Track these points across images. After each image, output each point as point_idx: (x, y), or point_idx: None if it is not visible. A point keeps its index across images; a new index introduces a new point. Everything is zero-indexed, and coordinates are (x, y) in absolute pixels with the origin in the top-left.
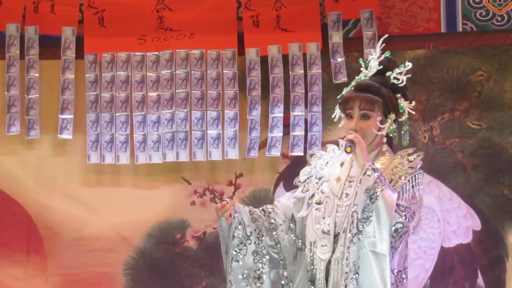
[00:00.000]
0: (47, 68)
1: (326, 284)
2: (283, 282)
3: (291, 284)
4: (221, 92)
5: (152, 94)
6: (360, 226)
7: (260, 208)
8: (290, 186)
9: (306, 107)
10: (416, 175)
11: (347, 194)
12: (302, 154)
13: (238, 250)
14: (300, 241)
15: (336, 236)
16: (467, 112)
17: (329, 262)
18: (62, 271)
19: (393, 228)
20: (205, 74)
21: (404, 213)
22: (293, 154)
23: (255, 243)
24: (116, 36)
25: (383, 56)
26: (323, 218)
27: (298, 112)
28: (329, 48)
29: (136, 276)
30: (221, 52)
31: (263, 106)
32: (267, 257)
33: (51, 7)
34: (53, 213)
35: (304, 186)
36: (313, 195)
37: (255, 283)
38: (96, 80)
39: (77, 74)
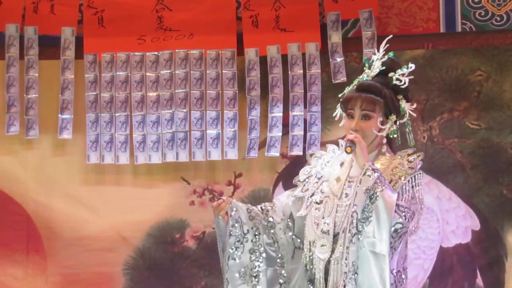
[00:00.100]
0: (46, 68)
1: (325, 284)
2: (281, 280)
3: (289, 283)
4: (220, 92)
5: (152, 94)
6: (360, 226)
7: (259, 206)
8: (289, 186)
9: (305, 107)
10: (416, 176)
11: (346, 194)
12: (301, 154)
13: (235, 248)
14: (299, 239)
15: (335, 236)
16: (466, 112)
17: (328, 262)
18: (62, 271)
19: (392, 228)
20: (204, 74)
21: (403, 214)
22: (292, 154)
23: (252, 241)
24: (116, 36)
25: (386, 57)
26: (323, 217)
27: (297, 112)
28: (328, 48)
29: (136, 276)
30: (220, 52)
31: (262, 106)
32: (264, 255)
33: (51, 7)
34: (53, 213)
35: (304, 185)
36: (313, 194)
37: (251, 281)
38: (96, 80)
39: (76, 74)
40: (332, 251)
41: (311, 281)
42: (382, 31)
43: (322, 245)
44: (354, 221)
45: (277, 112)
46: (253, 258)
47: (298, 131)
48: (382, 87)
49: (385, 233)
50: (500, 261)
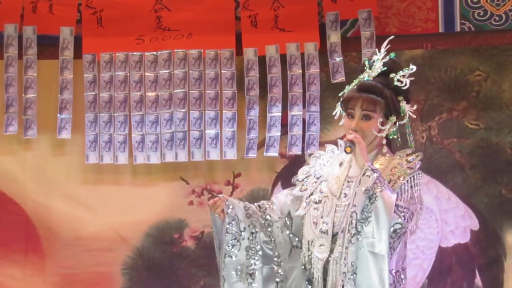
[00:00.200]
0: (45, 68)
1: (324, 284)
2: (277, 279)
3: (285, 282)
4: (219, 92)
5: (151, 94)
6: (359, 227)
7: (256, 204)
8: (288, 185)
9: (304, 106)
10: (415, 176)
11: (345, 194)
12: (300, 153)
13: (231, 246)
14: (296, 238)
15: (334, 236)
16: (465, 112)
17: (327, 262)
18: (61, 271)
19: (391, 228)
20: (203, 74)
21: (403, 214)
22: (291, 153)
23: (248, 238)
24: (114, 36)
25: (387, 57)
26: (321, 217)
27: (296, 111)
28: (327, 48)
29: (134, 276)
30: (219, 52)
31: (261, 106)
32: (260, 253)
33: (49, 7)
34: (52, 213)
35: (302, 185)
36: (312, 194)
37: (247, 279)
38: (95, 80)
39: (75, 74)
40: (331, 251)
41: (310, 281)
42: (381, 31)
43: (321, 245)
44: (354, 221)
45: (276, 112)
46: (249, 255)
47: (297, 131)
48: (383, 88)
49: (384, 234)
50: (499, 261)
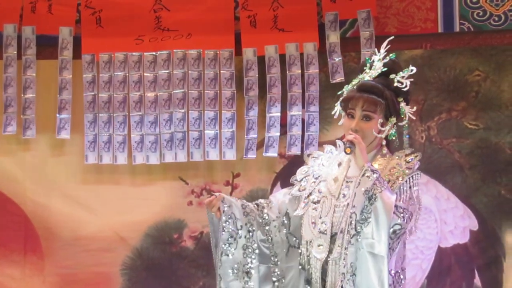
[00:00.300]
0: (44, 68)
1: (323, 284)
2: (274, 278)
3: (283, 281)
4: (218, 92)
5: (150, 94)
6: (359, 227)
7: (254, 202)
8: (287, 185)
9: (303, 107)
10: (414, 176)
11: (344, 195)
12: (299, 153)
13: (228, 244)
14: (294, 237)
15: (333, 236)
16: (464, 112)
17: (326, 262)
18: (60, 271)
19: (391, 229)
20: (202, 74)
21: (402, 215)
22: (290, 153)
23: (245, 237)
24: (114, 36)
25: (387, 58)
26: (320, 217)
27: (295, 112)
28: (326, 48)
29: (134, 276)
30: (218, 52)
31: (260, 106)
32: (257, 251)
33: (49, 7)
34: (51, 213)
35: (301, 185)
36: (310, 194)
37: (244, 278)
38: (94, 80)
39: (74, 74)
40: (330, 251)
41: (308, 281)
42: (380, 31)
43: (319, 245)
44: (353, 222)
45: (275, 112)
46: (246, 254)
47: (296, 131)
48: (384, 89)
49: (384, 234)
50: (498, 261)
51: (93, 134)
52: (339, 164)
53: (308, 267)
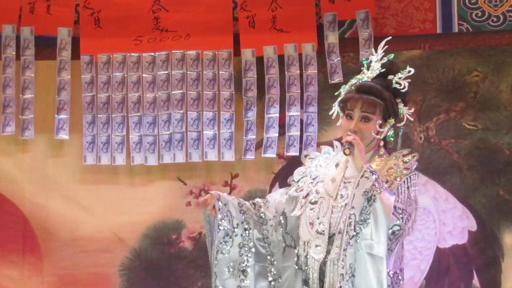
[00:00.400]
0: (42, 69)
1: (320, 285)
2: (270, 278)
3: (279, 280)
4: (217, 92)
5: (148, 95)
6: (358, 228)
7: (251, 201)
8: (285, 186)
9: (301, 107)
10: (411, 176)
11: (342, 195)
12: (297, 154)
13: (224, 242)
14: (290, 237)
15: (330, 237)
16: (462, 113)
17: (324, 263)
18: (58, 272)
19: (390, 230)
20: (201, 74)
21: (401, 215)
22: (289, 154)
23: (241, 235)
24: (112, 37)
25: (385, 59)
26: (318, 218)
27: (293, 112)
28: (325, 48)
29: (132, 276)
30: (217, 52)
31: (259, 107)
32: (253, 250)
33: (47, 8)
34: (49, 213)
35: (298, 185)
36: (308, 194)
37: (239, 276)
38: (92, 81)
39: (73, 75)
40: (327, 252)
41: (306, 282)
42: (378, 32)
43: (317, 246)
44: (352, 223)
45: (273, 113)
46: (241, 252)
47: (294, 132)
48: (383, 90)
49: (383, 235)
50: (496, 261)
51: (91, 135)
52: (337, 165)
53: (306, 267)
